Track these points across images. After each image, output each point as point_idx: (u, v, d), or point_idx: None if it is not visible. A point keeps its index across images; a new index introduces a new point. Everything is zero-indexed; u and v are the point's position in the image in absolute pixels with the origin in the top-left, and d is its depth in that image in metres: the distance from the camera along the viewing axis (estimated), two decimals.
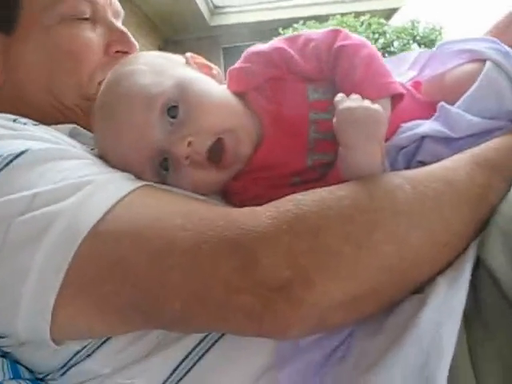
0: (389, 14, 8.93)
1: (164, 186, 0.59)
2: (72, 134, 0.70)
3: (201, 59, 0.70)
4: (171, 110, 0.60)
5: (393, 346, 0.49)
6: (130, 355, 0.56)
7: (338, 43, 0.63)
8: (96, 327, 0.53)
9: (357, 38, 0.65)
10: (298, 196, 0.52)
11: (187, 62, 0.68)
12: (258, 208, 0.52)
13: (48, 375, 0.59)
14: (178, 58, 0.68)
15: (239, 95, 0.66)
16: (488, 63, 0.65)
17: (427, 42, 6.86)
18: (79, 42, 0.76)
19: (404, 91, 0.62)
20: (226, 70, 0.69)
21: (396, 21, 8.11)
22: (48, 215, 0.50)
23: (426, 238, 0.52)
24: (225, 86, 0.67)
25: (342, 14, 7.20)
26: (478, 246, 0.53)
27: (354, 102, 0.57)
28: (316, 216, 0.50)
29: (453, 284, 0.52)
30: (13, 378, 0.56)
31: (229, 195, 0.66)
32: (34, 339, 0.52)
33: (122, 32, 0.81)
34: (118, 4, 0.86)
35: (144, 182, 0.56)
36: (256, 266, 0.47)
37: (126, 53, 0.79)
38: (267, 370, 0.55)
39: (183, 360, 0.55)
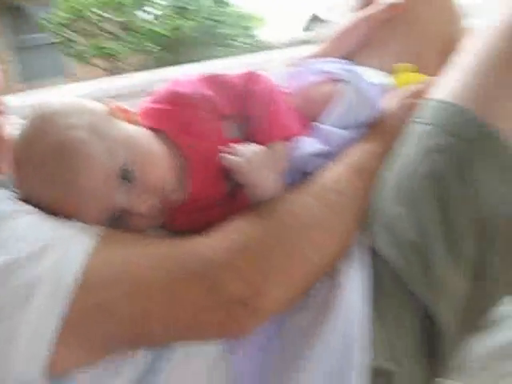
0: None
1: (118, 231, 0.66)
2: None
3: (120, 105, 0.73)
4: (125, 175, 0.65)
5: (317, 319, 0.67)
6: None
7: (249, 86, 0.76)
8: (82, 360, 0.60)
9: (266, 82, 0.78)
10: (240, 223, 0.67)
11: (111, 113, 0.70)
12: (214, 238, 0.64)
13: None
14: (101, 109, 0.69)
15: (154, 130, 0.72)
16: (345, 84, 0.83)
17: None
18: None
19: (296, 132, 0.78)
20: None
21: None
22: (29, 282, 0.55)
23: (335, 242, 0.70)
24: (146, 132, 0.71)
25: None
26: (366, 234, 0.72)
27: (245, 153, 0.69)
28: (257, 242, 0.64)
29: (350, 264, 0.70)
30: None
31: (163, 226, 0.74)
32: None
33: None
34: None
35: (103, 231, 0.63)
36: (220, 288, 0.61)
37: None
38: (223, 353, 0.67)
39: None
